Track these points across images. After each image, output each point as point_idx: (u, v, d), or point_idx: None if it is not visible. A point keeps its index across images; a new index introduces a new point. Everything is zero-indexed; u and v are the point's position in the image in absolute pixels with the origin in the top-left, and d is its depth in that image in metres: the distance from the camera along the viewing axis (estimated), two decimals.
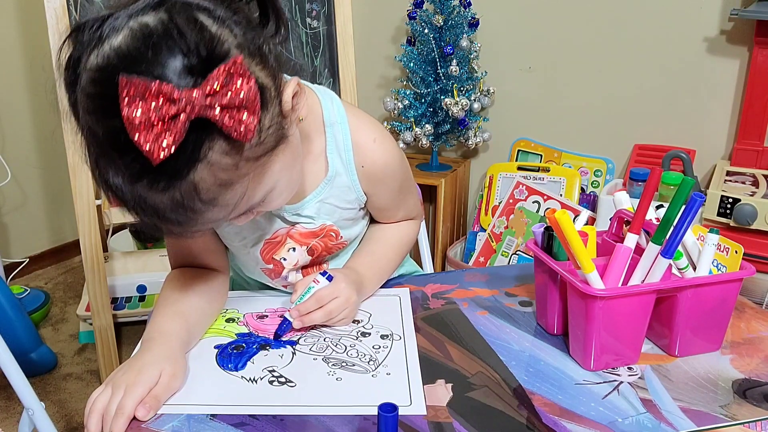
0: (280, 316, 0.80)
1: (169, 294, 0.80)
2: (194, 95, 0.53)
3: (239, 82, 0.55)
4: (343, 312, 0.79)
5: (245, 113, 0.56)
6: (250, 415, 0.64)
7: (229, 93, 0.54)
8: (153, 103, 0.52)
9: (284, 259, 0.85)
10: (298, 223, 0.83)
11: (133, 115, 0.52)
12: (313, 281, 0.79)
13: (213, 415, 0.64)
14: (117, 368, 0.69)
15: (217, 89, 0.54)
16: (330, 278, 0.79)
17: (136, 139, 0.53)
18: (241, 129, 0.56)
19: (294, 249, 0.85)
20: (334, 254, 0.90)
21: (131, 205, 0.59)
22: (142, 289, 2.04)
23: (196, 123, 0.55)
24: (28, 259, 2.42)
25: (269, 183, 0.66)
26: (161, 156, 0.53)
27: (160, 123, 0.53)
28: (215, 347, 0.76)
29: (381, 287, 0.91)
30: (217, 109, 0.54)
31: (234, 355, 0.74)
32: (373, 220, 0.95)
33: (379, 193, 0.86)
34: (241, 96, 0.55)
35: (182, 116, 0.53)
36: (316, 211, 0.83)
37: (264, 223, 0.83)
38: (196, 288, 0.81)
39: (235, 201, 0.63)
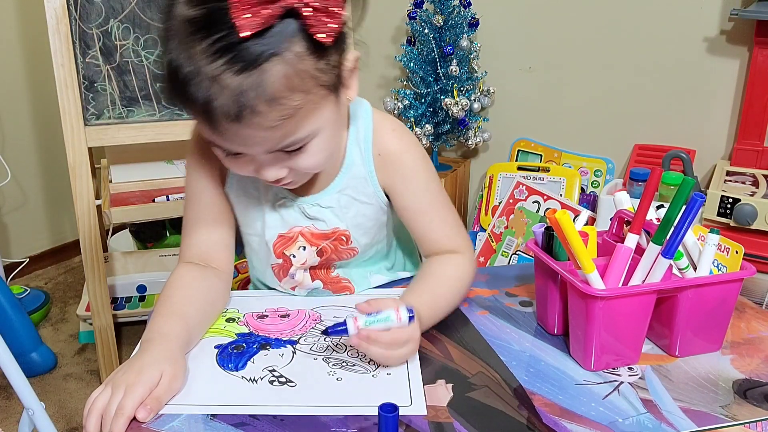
0: (322, 322, 0.76)
1: (171, 293, 0.80)
2: None
3: None
4: (398, 362, 0.71)
5: (330, 21, 0.64)
6: (250, 415, 0.64)
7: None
8: None
9: (293, 256, 0.86)
10: (315, 219, 0.84)
11: None
12: (397, 314, 0.69)
13: (213, 415, 0.64)
14: (117, 368, 0.68)
15: None
16: (412, 318, 0.70)
17: (232, 12, 0.60)
18: (324, 31, 0.64)
19: (304, 248, 0.85)
20: (344, 261, 0.89)
21: (195, 93, 0.63)
22: (142, 289, 2.04)
23: (286, 17, 0.62)
24: (28, 259, 2.42)
25: (315, 123, 0.70)
26: (248, 32, 0.60)
27: (257, 5, 0.60)
28: (215, 347, 0.76)
29: (381, 287, 0.91)
30: (311, 10, 0.62)
31: (234, 354, 0.74)
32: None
33: (400, 188, 0.84)
34: (332, 6, 0.63)
35: (277, 6, 0.61)
36: (335, 202, 0.83)
37: (284, 213, 0.84)
38: (199, 289, 0.81)
39: (283, 126, 0.66)
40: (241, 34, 0.60)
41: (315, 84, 0.67)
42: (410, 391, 0.68)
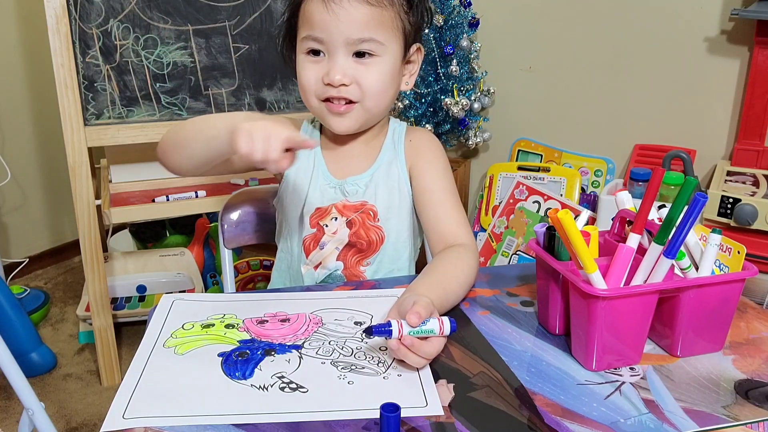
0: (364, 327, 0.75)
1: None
2: None
3: None
4: (423, 360, 0.71)
5: None
6: (275, 423, 0.62)
7: None
8: None
9: (326, 226, 0.97)
10: (349, 194, 0.97)
11: None
12: (440, 326, 0.70)
13: (238, 425, 0.63)
14: (244, 123, 0.74)
15: None
16: (453, 330, 0.71)
17: None
18: None
19: (336, 219, 0.97)
20: (374, 255, 0.98)
21: None
22: (141, 289, 2.03)
23: None
24: (28, 259, 2.42)
25: (387, 38, 0.88)
26: None
27: None
28: (219, 355, 0.74)
29: (382, 288, 0.91)
30: None
31: (240, 362, 0.73)
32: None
33: (423, 167, 0.98)
34: None
35: None
36: (369, 182, 0.98)
37: (325, 192, 0.98)
38: None
39: (369, 12, 0.86)
40: None
41: (399, 9, 0.89)
42: (424, 392, 0.67)
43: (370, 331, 0.69)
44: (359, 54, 0.88)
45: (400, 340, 0.69)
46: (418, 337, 0.69)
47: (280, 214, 1.04)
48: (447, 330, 0.71)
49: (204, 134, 0.85)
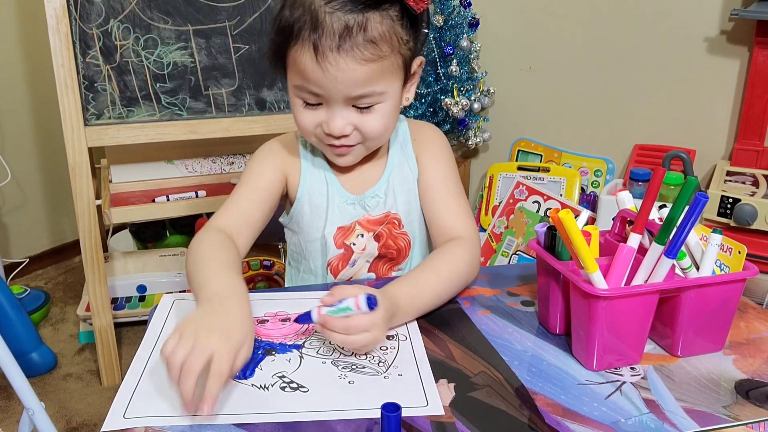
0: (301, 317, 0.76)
1: (225, 251, 0.83)
2: None
3: None
4: (362, 347, 0.73)
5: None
6: (275, 423, 0.62)
7: None
8: None
9: (353, 244, 0.95)
10: (371, 208, 0.95)
11: None
12: (355, 303, 0.70)
13: (239, 425, 0.63)
14: (188, 321, 0.66)
15: None
16: (372, 307, 0.70)
17: None
18: (415, 2, 0.80)
19: (362, 235, 0.95)
20: (405, 261, 0.98)
21: (308, 30, 0.78)
22: (142, 289, 2.03)
23: None
24: (28, 259, 2.41)
25: (389, 87, 0.83)
26: None
27: None
28: None
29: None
30: None
31: None
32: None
33: (428, 160, 0.97)
34: None
35: None
36: (388, 190, 0.96)
37: (346, 211, 0.95)
38: (238, 255, 0.86)
39: (370, 69, 0.80)
40: None
41: (398, 48, 0.82)
42: (424, 392, 0.67)
43: (297, 320, 0.74)
44: (360, 103, 0.83)
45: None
46: (335, 321, 0.70)
47: (296, 235, 0.99)
48: (363, 305, 0.70)
49: (190, 279, 0.81)
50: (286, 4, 0.82)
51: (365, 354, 0.74)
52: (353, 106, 0.83)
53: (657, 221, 0.75)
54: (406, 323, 0.80)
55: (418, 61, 0.88)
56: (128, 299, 2.02)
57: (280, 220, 1.01)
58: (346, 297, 0.71)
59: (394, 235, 0.96)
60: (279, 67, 0.87)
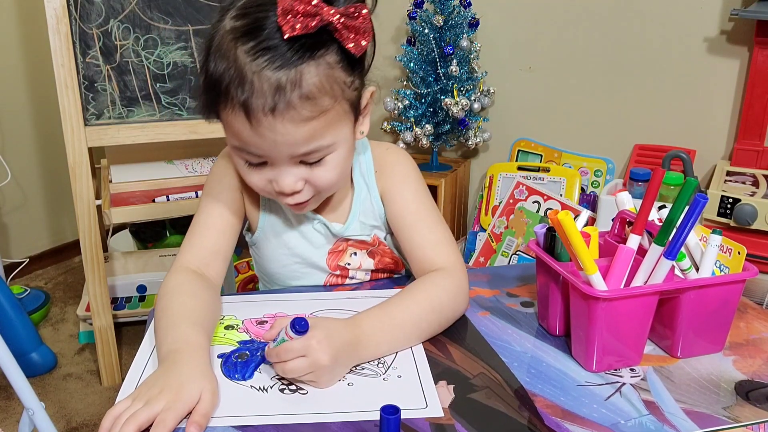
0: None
1: (184, 301, 0.77)
2: (332, 11, 0.69)
3: (364, 14, 0.70)
4: (306, 375, 0.67)
5: (361, 38, 0.71)
6: (274, 425, 0.62)
7: (357, 19, 0.70)
8: (302, 6, 0.68)
9: (348, 264, 0.92)
10: (350, 238, 0.91)
11: (286, 4, 0.67)
12: (285, 331, 0.68)
13: (238, 427, 0.63)
14: (142, 384, 0.65)
15: (349, 13, 0.70)
16: (302, 331, 0.67)
17: (278, 19, 0.68)
18: (356, 44, 0.71)
19: (355, 254, 0.93)
20: (404, 269, 0.95)
21: (237, 90, 0.70)
22: (142, 289, 2.03)
23: (323, 32, 0.70)
24: (28, 259, 2.42)
25: (337, 136, 0.75)
26: (290, 33, 0.68)
27: (300, 15, 0.68)
28: (218, 356, 0.74)
29: (381, 289, 0.91)
30: (345, 27, 0.70)
31: (240, 364, 0.72)
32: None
33: (393, 192, 0.89)
34: (363, 24, 0.71)
35: (317, 18, 0.68)
36: (359, 230, 0.91)
37: (322, 232, 0.90)
38: (207, 300, 0.80)
39: (311, 127, 0.71)
40: (285, 36, 0.68)
41: (341, 94, 0.73)
42: (424, 393, 0.67)
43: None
44: (307, 159, 0.76)
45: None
46: (272, 351, 0.69)
47: (273, 263, 0.93)
48: (289, 331, 0.67)
49: (154, 334, 0.76)
50: (211, 54, 0.72)
51: (322, 382, 0.69)
52: (301, 162, 0.76)
53: (656, 222, 0.75)
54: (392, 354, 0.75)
55: (368, 93, 0.80)
56: (128, 299, 2.02)
57: (244, 235, 0.95)
58: (283, 327, 0.69)
59: (386, 251, 0.94)
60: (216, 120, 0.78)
